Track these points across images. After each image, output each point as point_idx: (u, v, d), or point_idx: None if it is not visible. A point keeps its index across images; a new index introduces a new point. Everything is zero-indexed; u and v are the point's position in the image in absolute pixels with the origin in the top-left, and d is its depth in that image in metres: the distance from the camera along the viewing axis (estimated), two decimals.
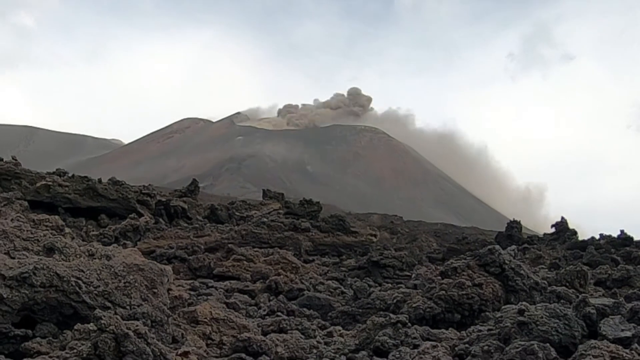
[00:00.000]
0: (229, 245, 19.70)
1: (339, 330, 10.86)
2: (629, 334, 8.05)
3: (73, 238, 13.14)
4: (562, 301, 10.58)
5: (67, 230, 15.44)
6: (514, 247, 17.76)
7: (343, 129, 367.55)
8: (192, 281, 15.45)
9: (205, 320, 9.76)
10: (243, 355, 8.78)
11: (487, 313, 10.96)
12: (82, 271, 8.90)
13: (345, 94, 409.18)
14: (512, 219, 28.62)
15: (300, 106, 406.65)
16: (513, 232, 27.41)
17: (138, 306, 8.97)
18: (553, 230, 28.75)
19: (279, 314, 11.95)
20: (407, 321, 9.78)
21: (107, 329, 7.39)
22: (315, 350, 9.34)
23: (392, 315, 9.86)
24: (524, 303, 9.38)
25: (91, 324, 7.80)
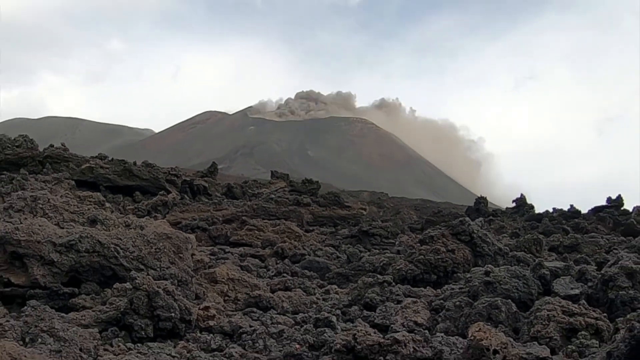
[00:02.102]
0: (243, 217, 19.70)
1: (335, 289, 10.88)
2: (577, 291, 8.08)
3: (112, 211, 13.12)
4: (521, 264, 10.60)
5: (107, 205, 15.41)
6: (481, 219, 17.71)
7: (338, 120, 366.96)
8: (211, 247, 15.47)
9: (223, 280, 9.77)
10: (255, 309, 8.80)
11: (459, 274, 10.97)
12: (120, 239, 8.90)
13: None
14: (479, 196, 28.62)
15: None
16: (480, 207, 27.39)
17: (167, 268, 8.98)
18: (514, 204, 28.76)
19: (285, 275, 11.95)
20: (391, 281, 9.80)
21: (141, 288, 7.40)
22: (314, 305, 9.36)
23: (379, 276, 9.88)
24: (489, 266, 9.40)
25: (127, 283, 7.80)
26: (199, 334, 7.43)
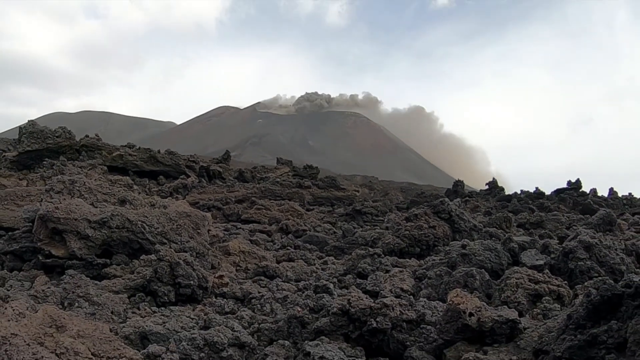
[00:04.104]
0: (252, 198, 19.68)
1: (332, 260, 10.87)
2: (541, 262, 8.06)
3: (139, 193, 13.09)
4: (493, 238, 10.59)
5: (135, 187, 15.38)
6: (458, 199, 17.72)
7: (335, 114, 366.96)
8: (225, 224, 15.45)
9: (235, 252, 9.77)
10: (262, 277, 8.80)
11: (439, 247, 10.97)
12: (146, 217, 8.87)
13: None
14: (457, 179, 28.60)
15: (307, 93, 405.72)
16: (458, 189, 27.38)
17: (186, 242, 8.96)
18: (487, 187, 28.75)
19: (289, 247, 11.95)
20: (381, 253, 9.80)
21: (164, 259, 7.38)
22: (314, 274, 9.36)
23: (370, 248, 9.88)
24: (465, 240, 9.39)
25: (153, 255, 7.79)
26: (214, 299, 7.43)
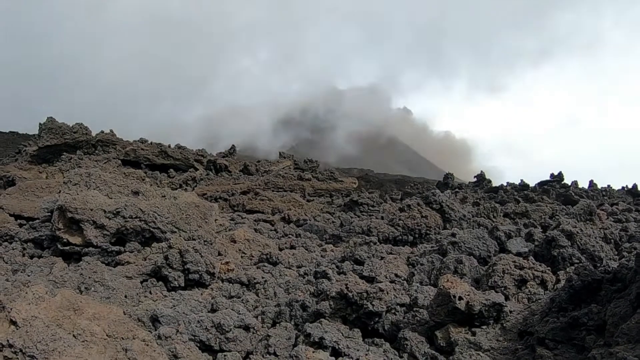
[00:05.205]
0: (256, 189, 19.67)
1: (331, 247, 10.86)
2: (526, 249, 8.07)
3: (151, 185, 13.07)
4: (481, 227, 10.59)
5: (147, 180, 15.36)
6: (448, 191, 17.72)
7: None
8: (231, 214, 15.44)
9: (240, 240, 9.76)
10: (266, 264, 8.79)
11: (431, 235, 10.96)
12: (157, 207, 8.86)
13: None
14: (447, 172, 28.56)
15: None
16: (448, 181, 27.35)
17: (195, 231, 8.95)
18: (475, 179, 28.72)
19: (290, 236, 11.94)
20: (376, 241, 9.79)
21: (174, 246, 7.38)
22: (314, 261, 9.36)
23: (366, 237, 9.87)
24: (455, 229, 9.38)
25: (163, 243, 7.79)
26: (221, 284, 7.43)
